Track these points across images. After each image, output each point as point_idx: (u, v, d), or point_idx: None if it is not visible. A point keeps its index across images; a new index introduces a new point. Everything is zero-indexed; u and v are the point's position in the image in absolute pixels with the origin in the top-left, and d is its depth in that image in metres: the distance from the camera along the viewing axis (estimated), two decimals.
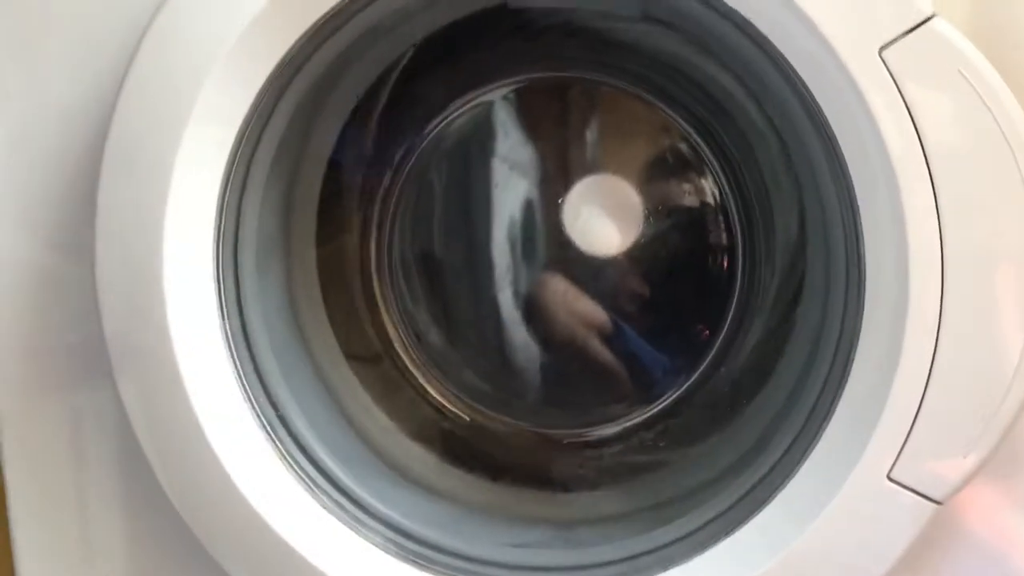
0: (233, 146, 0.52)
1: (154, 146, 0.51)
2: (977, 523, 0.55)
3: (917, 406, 0.49)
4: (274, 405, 0.58)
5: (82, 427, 0.61)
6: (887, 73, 0.48)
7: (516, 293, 0.71)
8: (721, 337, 0.70)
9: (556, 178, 0.71)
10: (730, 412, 0.67)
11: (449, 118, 0.70)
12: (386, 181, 0.71)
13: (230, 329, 0.56)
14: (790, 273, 0.66)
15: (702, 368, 0.70)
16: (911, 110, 0.48)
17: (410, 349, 0.72)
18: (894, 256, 0.49)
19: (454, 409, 0.72)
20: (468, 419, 0.72)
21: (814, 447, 0.51)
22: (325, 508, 0.56)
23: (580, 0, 0.65)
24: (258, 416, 0.56)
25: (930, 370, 0.49)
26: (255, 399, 0.56)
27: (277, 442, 0.56)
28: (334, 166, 0.67)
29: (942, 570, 0.55)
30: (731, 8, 0.50)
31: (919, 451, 0.49)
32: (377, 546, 0.56)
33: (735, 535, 0.52)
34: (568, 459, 0.71)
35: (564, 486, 0.69)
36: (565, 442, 0.72)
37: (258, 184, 0.58)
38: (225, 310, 0.55)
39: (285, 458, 0.56)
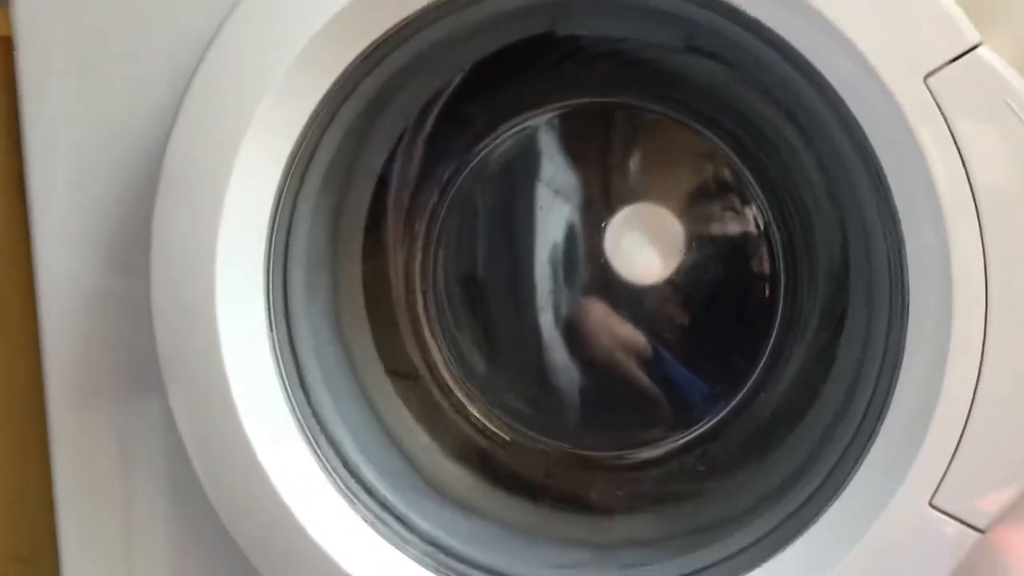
0: (287, 162, 0.54)
1: (210, 163, 0.53)
2: (1019, 552, 0.54)
3: (960, 434, 0.49)
4: (318, 418, 0.59)
5: (129, 439, 0.63)
6: (932, 100, 0.48)
7: (557, 316, 0.72)
8: (761, 364, 0.70)
9: (600, 204, 0.72)
10: (771, 438, 0.67)
11: (495, 142, 0.71)
12: (433, 201, 0.72)
13: (278, 344, 0.57)
14: (832, 301, 0.66)
15: (742, 394, 0.71)
16: (956, 139, 0.48)
17: (452, 367, 0.73)
18: (938, 285, 0.49)
19: (494, 428, 0.72)
20: (508, 439, 0.72)
21: (856, 473, 0.51)
22: (365, 520, 0.57)
23: (625, 29, 0.66)
24: (303, 428, 0.57)
25: (973, 398, 0.49)
26: (300, 412, 0.57)
27: (320, 454, 0.57)
28: (382, 184, 0.68)
29: None
30: (776, 35, 0.51)
31: (961, 479, 0.49)
32: (415, 560, 0.57)
33: (775, 559, 0.52)
34: (608, 482, 0.72)
35: (604, 509, 0.70)
36: (605, 464, 0.72)
37: (309, 202, 0.59)
38: (274, 325, 0.56)
39: (327, 469, 0.57)
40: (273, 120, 0.52)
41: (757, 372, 0.70)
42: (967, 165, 0.48)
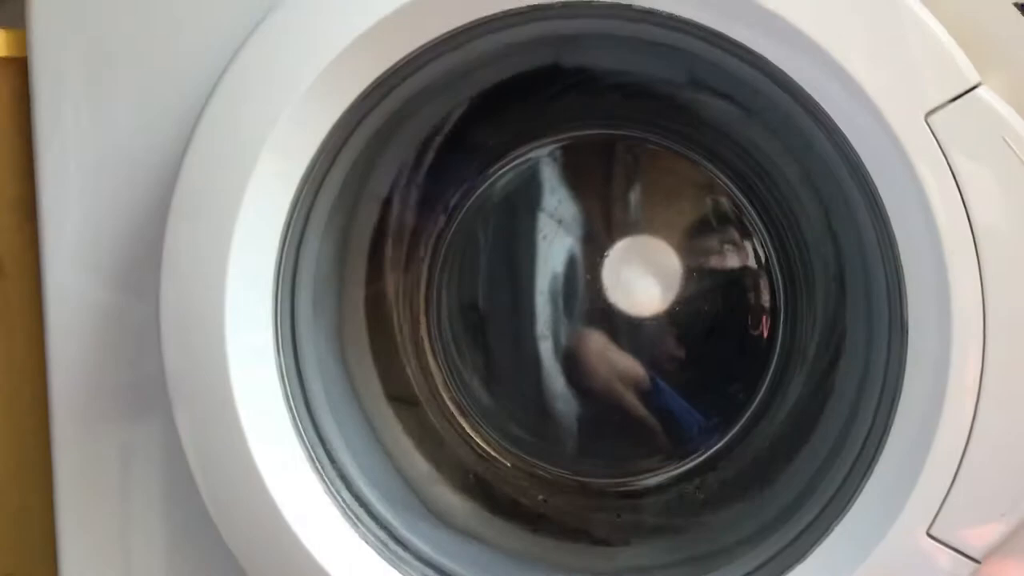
0: (298, 186, 0.55)
1: (223, 185, 0.54)
2: None
3: (957, 464, 0.50)
4: (322, 440, 0.59)
5: (131, 460, 0.63)
6: (933, 139, 0.49)
7: (556, 345, 0.73)
8: (760, 395, 0.71)
9: (602, 234, 0.73)
10: (769, 467, 0.67)
11: (500, 171, 0.72)
12: (439, 228, 0.72)
13: (285, 365, 0.57)
14: (830, 333, 0.67)
15: (740, 424, 0.71)
16: (956, 175, 0.49)
17: (454, 392, 0.73)
18: (937, 319, 0.50)
19: (495, 454, 0.73)
20: (508, 464, 0.73)
21: (854, 502, 0.52)
22: (365, 540, 0.57)
23: (629, 63, 0.67)
24: (307, 449, 0.57)
25: (971, 429, 0.50)
26: (305, 433, 0.57)
27: (324, 475, 0.57)
28: (388, 210, 0.69)
29: None
30: (779, 71, 0.52)
31: (959, 509, 0.50)
32: None
33: None
34: (607, 510, 0.72)
35: (603, 538, 0.70)
36: (604, 492, 0.73)
37: (318, 225, 0.60)
38: (281, 347, 0.57)
39: (331, 491, 0.57)
40: (286, 144, 0.53)
41: (756, 402, 0.71)
42: (966, 201, 0.49)
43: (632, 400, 0.72)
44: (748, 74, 0.54)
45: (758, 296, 0.72)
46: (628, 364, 0.72)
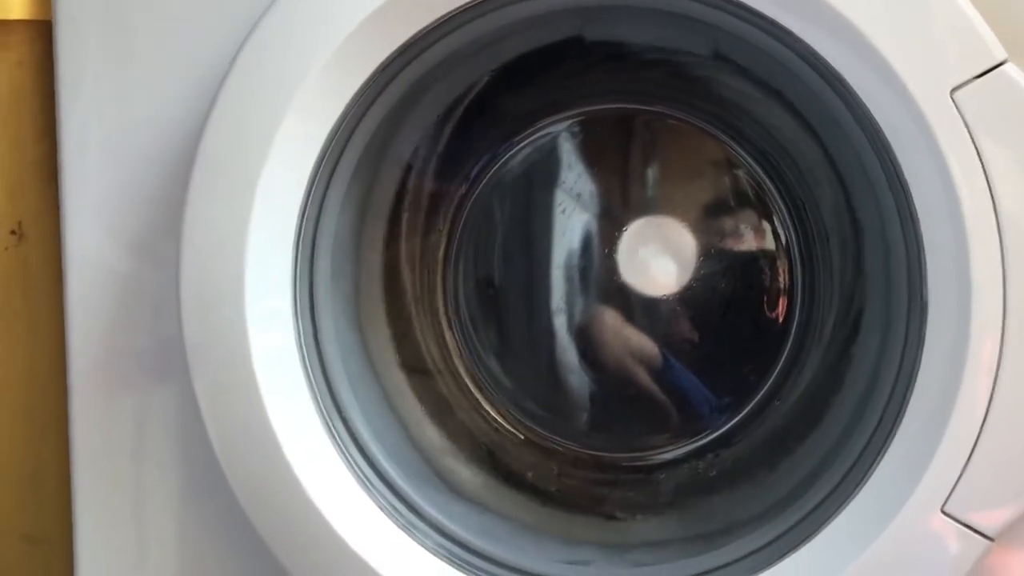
0: (322, 148, 0.55)
1: (246, 146, 0.54)
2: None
3: (974, 442, 0.50)
4: (338, 407, 0.59)
5: (148, 424, 0.63)
6: (958, 115, 0.49)
7: (571, 320, 0.73)
8: (775, 372, 0.71)
9: (620, 210, 0.72)
10: (784, 444, 0.67)
11: (521, 143, 0.72)
12: (460, 194, 0.72)
13: (303, 330, 0.57)
14: (848, 310, 0.67)
15: (755, 401, 0.71)
16: (980, 152, 0.49)
17: (468, 362, 0.74)
18: (957, 296, 0.50)
19: (508, 427, 0.73)
20: (522, 437, 0.73)
21: (869, 478, 0.52)
22: (381, 508, 0.57)
23: (653, 36, 0.67)
24: (323, 415, 0.57)
25: (988, 407, 0.50)
26: (321, 399, 0.58)
27: (340, 442, 0.58)
28: (408, 176, 0.69)
29: None
30: (803, 44, 0.51)
31: (974, 487, 0.50)
32: (428, 550, 0.57)
33: (786, 561, 0.53)
34: (619, 484, 0.72)
35: (615, 511, 0.70)
36: (617, 466, 0.73)
37: (339, 190, 0.60)
38: (299, 311, 0.57)
39: (346, 457, 0.57)
40: (312, 105, 0.53)
41: (770, 381, 0.71)
42: (989, 178, 0.49)
43: (645, 377, 0.72)
44: (773, 48, 0.54)
45: (775, 276, 0.72)
46: (642, 341, 0.72)
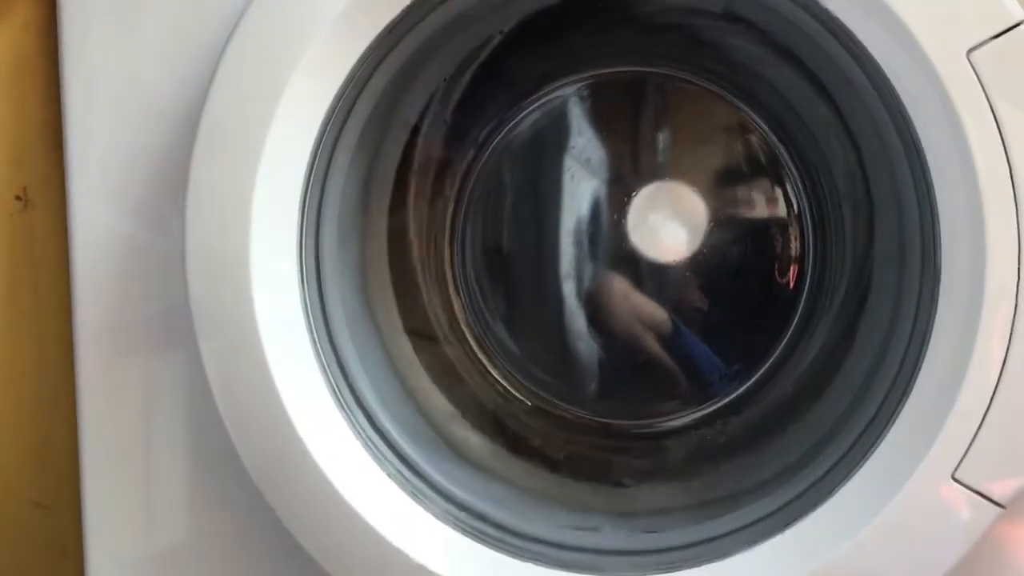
0: (328, 109, 0.54)
1: (252, 108, 0.53)
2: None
3: (985, 408, 0.49)
4: (344, 372, 0.59)
5: (155, 391, 0.63)
6: (974, 75, 0.48)
7: (580, 286, 0.72)
8: (786, 339, 0.70)
9: (629, 176, 0.72)
10: (794, 411, 0.67)
11: (530, 106, 0.72)
12: (468, 159, 0.72)
13: (308, 295, 0.57)
14: (860, 275, 0.66)
15: (765, 368, 0.71)
16: (996, 113, 0.48)
17: (476, 328, 0.73)
18: (971, 261, 0.50)
19: (516, 393, 0.73)
20: (529, 404, 0.73)
21: (879, 444, 0.52)
22: (389, 475, 0.57)
23: None
24: (329, 381, 0.57)
25: (1000, 374, 0.49)
26: (327, 364, 0.57)
27: (346, 407, 0.57)
28: (415, 139, 0.68)
29: None
30: (817, 4, 0.50)
31: (985, 453, 0.49)
32: (436, 516, 0.57)
33: (796, 527, 0.53)
34: (627, 451, 0.72)
35: (623, 478, 0.70)
36: (625, 433, 0.73)
37: (346, 152, 0.59)
38: (305, 276, 0.57)
39: (353, 422, 0.57)
40: (320, 63, 0.53)
41: (781, 347, 0.70)
42: (1005, 140, 0.48)
43: (654, 344, 0.71)
44: (786, 7, 0.53)
45: (786, 242, 0.71)
46: (651, 308, 0.71)
